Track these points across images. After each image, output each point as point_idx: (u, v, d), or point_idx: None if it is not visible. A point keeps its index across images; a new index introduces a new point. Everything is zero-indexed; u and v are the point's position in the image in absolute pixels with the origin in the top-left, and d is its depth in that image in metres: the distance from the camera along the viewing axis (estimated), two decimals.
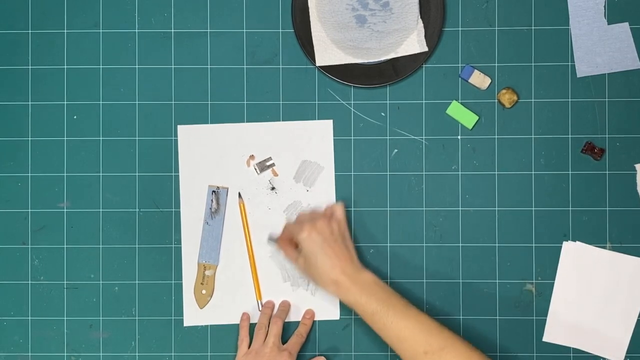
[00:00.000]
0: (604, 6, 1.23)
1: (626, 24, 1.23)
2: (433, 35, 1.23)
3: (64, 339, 1.25)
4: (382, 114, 1.24)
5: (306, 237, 1.14)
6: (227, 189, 1.25)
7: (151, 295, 1.25)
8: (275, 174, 1.24)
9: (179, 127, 1.25)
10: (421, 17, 1.23)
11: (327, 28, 1.23)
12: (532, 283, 1.24)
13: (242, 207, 1.24)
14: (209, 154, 1.25)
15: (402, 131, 1.24)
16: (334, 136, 1.24)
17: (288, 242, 1.20)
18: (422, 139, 1.24)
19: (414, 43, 1.22)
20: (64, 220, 1.25)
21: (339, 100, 1.25)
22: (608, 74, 1.23)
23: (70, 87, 1.25)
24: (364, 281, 1.13)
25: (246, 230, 1.24)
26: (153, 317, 1.25)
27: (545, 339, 1.23)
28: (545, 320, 1.23)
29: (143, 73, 1.25)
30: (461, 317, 1.24)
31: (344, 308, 1.24)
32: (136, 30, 1.25)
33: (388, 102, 1.24)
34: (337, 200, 1.24)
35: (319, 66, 1.23)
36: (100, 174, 1.25)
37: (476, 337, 1.23)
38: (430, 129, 1.24)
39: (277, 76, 1.25)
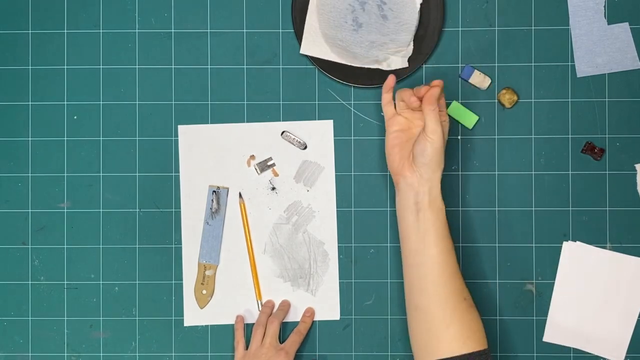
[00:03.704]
0: (604, 6, 1.23)
1: (626, 24, 1.23)
2: (433, 35, 1.22)
3: (64, 339, 1.25)
4: (382, 114, 1.24)
5: (438, 129, 1.07)
6: (228, 189, 1.25)
7: (151, 295, 1.25)
8: (276, 174, 1.24)
9: (179, 127, 1.25)
10: (421, 17, 1.22)
11: (322, 20, 1.22)
12: (532, 283, 1.24)
13: (242, 207, 1.24)
14: (209, 154, 1.25)
15: None
16: (334, 136, 1.24)
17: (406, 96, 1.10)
18: None
19: (397, 61, 1.22)
20: (64, 220, 1.25)
21: (339, 100, 1.25)
22: (608, 74, 1.23)
23: (70, 87, 1.25)
24: (438, 209, 1.09)
25: (246, 230, 1.24)
26: (153, 317, 1.25)
27: (545, 339, 1.23)
28: (545, 320, 1.23)
29: (143, 73, 1.25)
30: None
31: (344, 308, 1.24)
32: (136, 30, 1.25)
33: None
34: (337, 200, 1.24)
35: (302, 54, 1.22)
36: (101, 174, 1.25)
37: None
38: None
39: (277, 76, 1.25)
